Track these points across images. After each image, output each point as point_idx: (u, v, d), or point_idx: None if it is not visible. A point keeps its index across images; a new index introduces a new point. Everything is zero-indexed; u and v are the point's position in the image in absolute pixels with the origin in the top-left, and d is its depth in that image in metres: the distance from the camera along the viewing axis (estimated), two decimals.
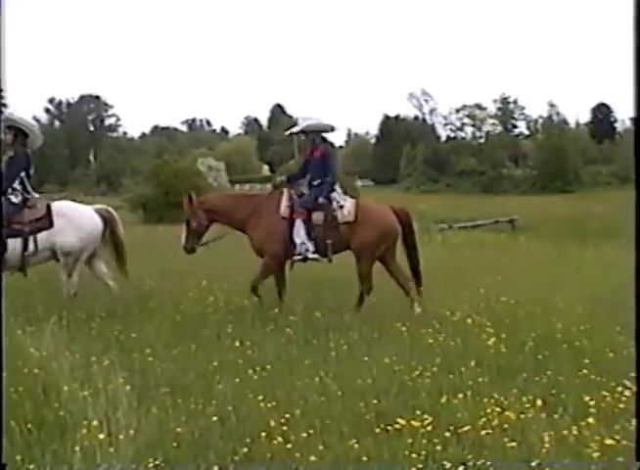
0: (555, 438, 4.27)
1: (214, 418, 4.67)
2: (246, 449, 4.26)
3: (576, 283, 10.73)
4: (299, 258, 8.59)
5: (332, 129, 9.27)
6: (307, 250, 8.54)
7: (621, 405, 4.89)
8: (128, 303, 8.16)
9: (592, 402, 4.90)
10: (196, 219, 8.65)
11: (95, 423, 4.48)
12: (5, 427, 4.35)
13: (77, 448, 4.19)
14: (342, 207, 8.65)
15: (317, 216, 8.61)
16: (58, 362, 5.72)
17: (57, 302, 8.13)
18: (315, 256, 8.58)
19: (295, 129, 9.27)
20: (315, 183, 8.75)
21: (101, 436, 4.32)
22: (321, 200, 8.58)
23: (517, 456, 4.12)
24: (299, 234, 8.53)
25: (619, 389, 5.20)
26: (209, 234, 8.93)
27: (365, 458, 4.16)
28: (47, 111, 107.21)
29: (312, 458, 4.12)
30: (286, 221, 8.57)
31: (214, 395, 5.20)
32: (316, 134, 9.04)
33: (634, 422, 3.97)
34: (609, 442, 4.13)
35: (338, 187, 8.82)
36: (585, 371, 5.72)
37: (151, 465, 4.05)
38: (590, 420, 4.53)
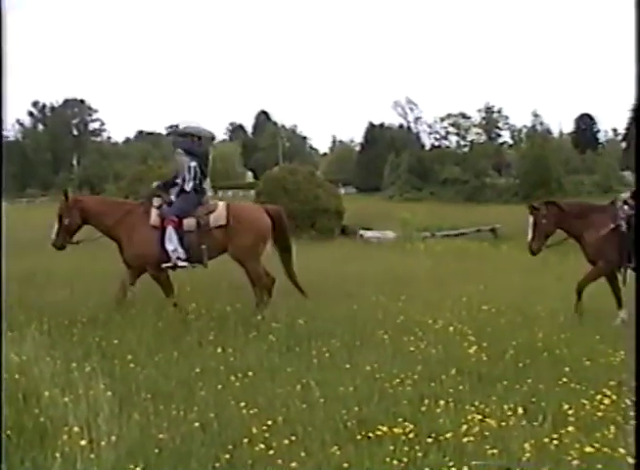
0: (535, 445, 4.30)
1: (196, 424, 4.67)
2: (228, 456, 4.26)
3: (557, 292, 10.79)
4: (170, 265, 8.53)
5: (212, 138, 9.34)
6: (179, 257, 8.47)
7: (600, 413, 4.94)
8: (110, 309, 8.13)
9: (571, 411, 4.94)
10: (69, 217, 8.65)
11: (76, 429, 4.46)
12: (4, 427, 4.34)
13: (58, 455, 4.17)
14: (212, 211, 8.64)
15: (189, 223, 8.57)
16: (38, 368, 5.68)
17: (38, 307, 8.08)
18: (185, 264, 8.53)
19: (176, 131, 9.24)
20: (187, 189, 8.72)
21: (82, 442, 4.31)
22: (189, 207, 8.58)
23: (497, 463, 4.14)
24: (171, 241, 8.47)
25: (599, 397, 5.25)
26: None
27: (346, 465, 4.17)
28: (30, 114, 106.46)
29: (294, 465, 4.13)
30: (157, 230, 8.52)
31: (196, 401, 5.20)
32: (193, 139, 9.00)
33: (634, 422, 4.01)
34: (588, 449, 4.16)
35: (208, 190, 8.80)
36: (565, 379, 5.77)
37: None
38: (570, 428, 4.57)
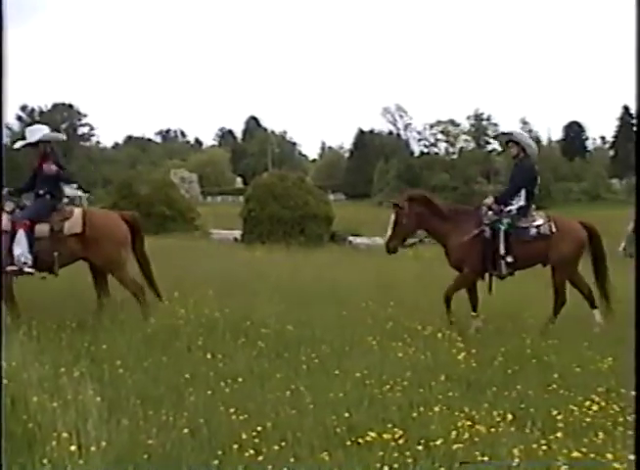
0: (524, 451, 4.31)
1: (186, 430, 4.66)
2: (217, 462, 4.25)
3: (546, 298, 10.83)
4: (15, 269, 8.14)
5: (63, 139, 9.33)
6: (25, 263, 8.16)
7: (589, 419, 4.96)
8: (99, 314, 8.09)
9: (560, 417, 4.96)
10: None
11: (65, 435, 4.43)
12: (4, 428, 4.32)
13: (46, 461, 4.15)
14: (67, 218, 8.40)
15: (41, 228, 8.31)
16: (27, 373, 5.65)
17: (26, 312, 8.04)
18: (31, 270, 8.21)
19: (29, 141, 8.90)
20: (41, 193, 8.54)
21: (71, 448, 4.28)
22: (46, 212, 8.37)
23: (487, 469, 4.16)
24: (20, 245, 8.17)
25: (587, 403, 5.28)
26: None
27: None
28: (19, 118, 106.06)
29: None
30: (7, 234, 8.18)
31: (186, 407, 5.18)
32: (47, 145, 8.85)
33: (634, 421, 4.02)
34: (576, 454, 4.18)
35: (75, 195, 8.66)
36: (554, 386, 5.80)
37: None
38: (558, 434, 4.59)
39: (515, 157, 9.02)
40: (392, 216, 8.83)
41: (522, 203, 8.76)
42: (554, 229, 8.72)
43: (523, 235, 8.64)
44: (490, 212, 8.71)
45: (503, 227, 8.55)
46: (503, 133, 9.75)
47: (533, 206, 8.91)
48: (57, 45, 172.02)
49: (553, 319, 8.62)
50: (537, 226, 8.73)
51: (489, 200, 8.86)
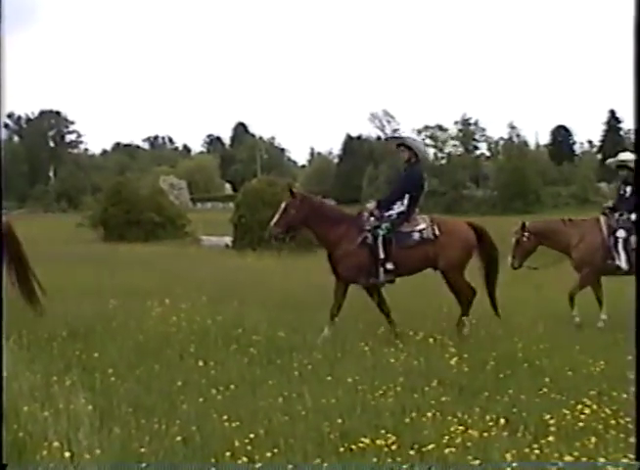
0: (517, 455, 4.32)
1: (178, 438, 4.64)
2: (211, 469, 4.23)
3: (537, 303, 10.89)
4: None
5: None
6: None
7: (581, 423, 4.97)
8: (90, 322, 8.07)
9: (552, 421, 4.97)
10: None
11: (56, 444, 4.41)
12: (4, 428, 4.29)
13: None
14: None
15: None
16: (17, 383, 5.63)
17: (17, 320, 8.00)
18: None
19: None
20: None
21: (62, 457, 4.26)
22: None
23: None
24: None
25: (579, 407, 5.29)
26: None
27: None
28: (6, 126, 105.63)
29: None
30: None
31: (178, 415, 5.16)
32: None
33: (634, 422, 4.03)
34: (568, 458, 4.19)
35: None
36: (545, 390, 5.81)
37: None
38: (550, 438, 4.60)
39: (406, 161, 8.84)
40: (283, 204, 8.59)
41: (402, 208, 8.53)
42: (437, 232, 8.51)
43: (405, 240, 8.44)
44: (372, 219, 8.50)
45: (382, 232, 8.33)
46: (394, 137, 9.63)
47: (417, 210, 8.69)
48: (45, 52, 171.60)
49: (462, 323, 8.43)
50: (420, 230, 8.52)
51: (371, 205, 8.69)
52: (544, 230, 10.09)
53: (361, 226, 8.49)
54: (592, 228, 9.77)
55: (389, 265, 8.33)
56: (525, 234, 9.92)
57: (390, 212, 8.54)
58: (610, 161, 10.37)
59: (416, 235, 8.50)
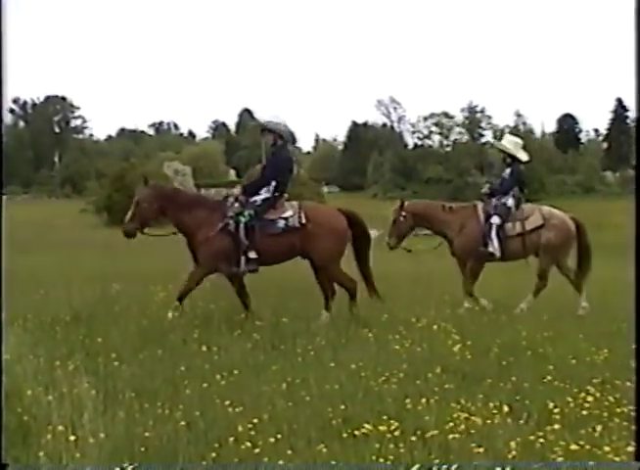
0: (521, 443, 4.31)
1: (182, 423, 4.64)
2: (214, 454, 4.24)
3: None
4: None
5: None
6: None
7: (585, 412, 4.96)
8: (94, 306, 8.08)
9: (557, 409, 4.96)
10: None
11: (60, 428, 4.42)
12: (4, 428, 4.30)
13: (41, 454, 4.14)
14: None
15: None
16: (21, 366, 5.65)
17: (21, 305, 8.02)
18: None
19: None
20: None
21: (66, 441, 4.27)
22: None
23: (483, 461, 4.15)
24: None
25: (582, 395, 5.28)
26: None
27: (333, 463, 4.16)
28: (11, 111, 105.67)
29: (280, 463, 4.12)
30: None
31: (181, 399, 5.16)
32: None
33: (634, 421, 4.02)
34: (573, 447, 4.18)
35: None
36: (549, 377, 5.80)
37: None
38: (555, 426, 4.59)
39: (272, 145, 8.53)
40: (135, 198, 8.36)
41: (267, 194, 8.22)
42: (304, 220, 8.18)
43: (269, 228, 8.12)
44: (237, 204, 8.20)
45: (244, 219, 8.02)
46: (255, 125, 9.20)
47: (286, 195, 8.43)
48: (51, 37, 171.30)
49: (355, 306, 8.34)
50: (286, 218, 8.19)
51: (237, 190, 8.40)
52: (423, 212, 9.83)
53: (224, 212, 8.16)
54: (470, 216, 9.62)
55: (252, 254, 8.02)
56: (403, 214, 9.65)
57: (255, 198, 8.21)
58: (494, 142, 10.40)
59: (281, 223, 8.18)
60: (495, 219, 9.36)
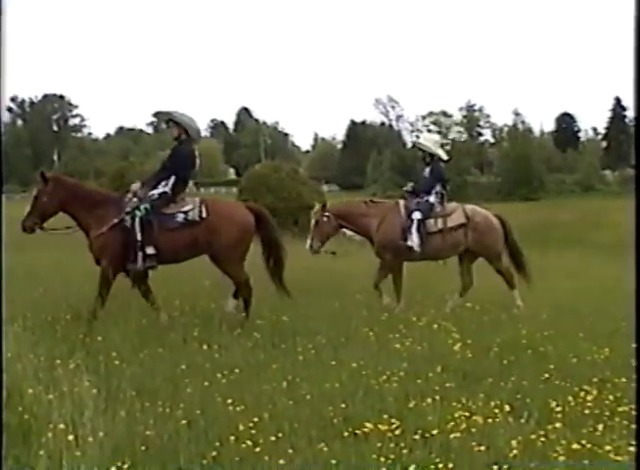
0: (522, 442, 4.32)
1: (182, 422, 4.65)
2: (214, 453, 4.24)
3: (540, 289, 10.85)
4: None
5: None
6: None
7: (587, 411, 4.97)
8: (93, 305, 8.05)
9: (558, 408, 4.96)
10: None
11: (61, 427, 4.42)
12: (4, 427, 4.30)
13: (42, 453, 4.13)
14: None
15: None
16: (22, 365, 5.63)
17: (20, 304, 8.00)
18: None
19: None
20: None
21: (67, 439, 4.26)
22: None
23: (484, 460, 4.16)
24: None
25: (582, 394, 5.29)
26: None
27: (334, 462, 4.17)
28: (10, 109, 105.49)
29: (281, 462, 4.12)
30: None
31: (182, 398, 5.17)
32: None
33: (635, 420, 4.03)
34: (575, 446, 4.19)
35: None
36: (549, 376, 5.81)
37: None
38: (556, 425, 4.60)
39: (176, 139, 8.33)
40: (34, 192, 8.02)
41: (165, 189, 8.02)
42: (205, 214, 7.97)
43: (167, 223, 7.89)
44: (135, 199, 7.94)
45: (139, 214, 7.77)
46: (162, 112, 8.68)
47: (187, 190, 8.28)
48: (49, 36, 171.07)
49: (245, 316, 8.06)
50: (185, 212, 7.97)
51: (136, 185, 8.08)
52: (345, 212, 9.68)
53: (122, 208, 7.89)
54: (391, 211, 9.52)
55: (150, 250, 7.78)
56: (325, 215, 9.50)
57: (153, 192, 8.00)
58: (414, 141, 10.41)
59: (180, 217, 7.94)
60: (417, 215, 9.26)
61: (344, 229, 9.82)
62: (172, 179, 8.06)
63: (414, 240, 9.18)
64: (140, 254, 7.77)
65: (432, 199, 9.47)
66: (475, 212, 9.61)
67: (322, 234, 9.54)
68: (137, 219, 7.76)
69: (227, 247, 8.03)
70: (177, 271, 10.59)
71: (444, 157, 10.02)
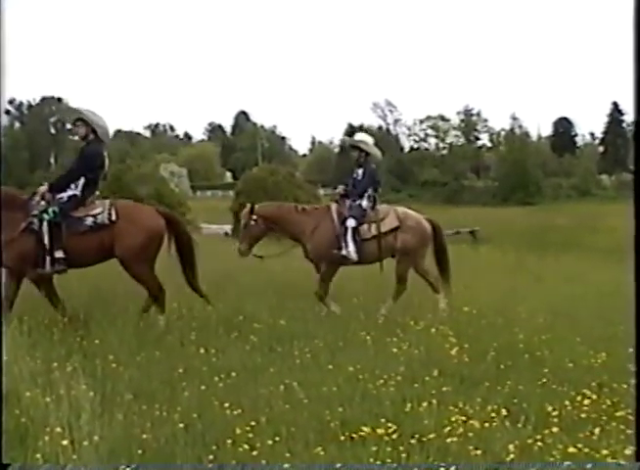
0: (519, 446, 4.32)
1: (180, 425, 4.65)
2: (211, 457, 4.24)
3: (537, 294, 10.87)
4: None
5: None
6: None
7: (583, 415, 4.97)
8: (91, 308, 8.06)
9: (555, 412, 4.97)
10: None
11: (58, 430, 4.42)
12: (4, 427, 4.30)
13: (39, 456, 4.13)
14: None
15: None
16: (18, 368, 5.63)
17: (17, 306, 7.99)
18: None
19: None
20: None
21: (64, 443, 4.26)
22: None
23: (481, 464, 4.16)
24: None
25: (579, 398, 5.29)
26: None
27: (331, 466, 4.16)
28: (7, 112, 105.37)
29: (281, 465, 4.12)
30: None
31: (179, 401, 5.17)
32: None
33: (634, 421, 4.04)
34: (572, 450, 4.19)
35: None
36: (546, 381, 5.81)
37: None
38: (553, 429, 4.60)
39: (83, 138, 8.13)
40: None
41: (75, 191, 7.86)
42: (114, 217, 7.81)
43: (76, 226, 7.73)
44: (43, 202, 7.75)
45: (47, 217, 7.61)
46: (71, 109, 8.64)
47: (97, 193, 8.09)
48: (46, 39, 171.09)
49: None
50: (94, 215, 7.80)
51: (44, 187, 7.87)
52: (274, 215, 9.39)
53: (29, 211, 7.71)
54: (324, 218, 9.26)
55: (59, 254, 7.62)
56: (254, 217, 9.25)
57: (62, 195, 7.84)
58: (344, 139, 10.18)
59: (89, 220, 7.78)
60: (351, 222, 9.04)
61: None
62: (82, 181, 7.91)
63: (349, 249, 9.00)
64: (48, 257, 7.61)
65: (364, 203, 9.25)
66: (407, 216, 9.43)
67: (251, 237, 9.34)
68: (45, 223, 7.60)
69: (135, 251, 7.89)
70: (174, 275, 10.60)
71: (380, 156, 9.88)
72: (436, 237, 9.61)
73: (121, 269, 8.32)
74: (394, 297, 9.26)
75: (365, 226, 9.17)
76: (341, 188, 9.62)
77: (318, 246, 9.11)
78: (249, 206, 9.48)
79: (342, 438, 4.60)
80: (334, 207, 9.37)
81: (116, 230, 7.84)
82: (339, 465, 4.15)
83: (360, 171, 9.48)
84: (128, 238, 7.86)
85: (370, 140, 9.84)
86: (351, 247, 9.01)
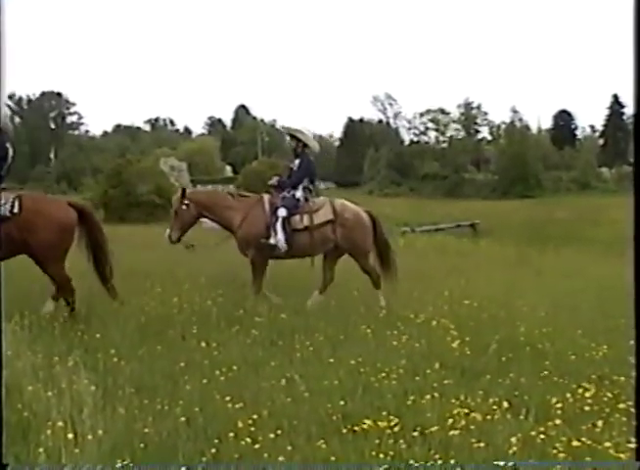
0: (521, 439, 4.32)
1: (181, 419, 4.65)
2: (213, 450, 4.24)
3: (537, 287, 10.89)
4: None
5: None
6: None
7: (587, 408, 4.97)
8: (92, 303, 8.06)
9: (557, 405, 4.97)
10: None
11: (60, 424, 4.41)
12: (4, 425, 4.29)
13: (41, 450, 4.13)
14: None
15: None
16: (20, 362, 5.63)
17: (18, 301, 7.99)
18: None
19: None
20: None
21: (66, 437, 4.26)
22: None
23: (484, 456, 4.16)
24: None
25: (581, 391, 5.30)
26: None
27: (333, 459, 4.17)
28: (7, 107, 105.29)
29: (281, 459, 4.12)
30: None
31: (181, 395, 5.17)
32: None
33: (634, 415, 4.03)
34: (574, 443, 4.19)
35: None
36: (547, 373, 5.81)
37: (118, 466, 4.01)
38: (555, 421, 4.60)
39: None
40: None
41: None
42: (16, 209, 7.44)
43: None
44: None
45: None
46: None
47: (3, 185, 7.78)
48: (45, 33, 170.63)
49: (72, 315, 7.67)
50: None
51: None
52: (206, 201, 9.19)
53: None
54: (255, 206, 9.11)
55: None
56: (185, 202, 9.00)
57: None
58: (283, 126, 10.03)
59: None
60: (282, 211, 8.91)
61: (204, 219, 9.34)
62: None
63: (278, 238, 8.85)
64: None
65: (298, 194, 9.13)
66: (344, 208, 9.30)
67: (182, 223, 9.08)
68: None
69: (45, 245, 7.59)
70: (174, 268, 10.60)
71: (317, 149, 9.78)
72: (376, 230, 9.42)
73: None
74: (376, 286, 9.22)
75: (297, 217, 9.02)
76: (274, 179, 9.50)
77: (247, 235, 8.98)
78: (180, 190, 9.27)
79: (344, 431, 4.59)
80: (266, 197, 9.22)
81: (23, 223, 7.46)
82: (334, 464, 4.14)
83: (297, 162, 9.38)
84: (37, 233, 7.53)
85: (308, 131, 9.76)
86: (280, 236, 8.86)
